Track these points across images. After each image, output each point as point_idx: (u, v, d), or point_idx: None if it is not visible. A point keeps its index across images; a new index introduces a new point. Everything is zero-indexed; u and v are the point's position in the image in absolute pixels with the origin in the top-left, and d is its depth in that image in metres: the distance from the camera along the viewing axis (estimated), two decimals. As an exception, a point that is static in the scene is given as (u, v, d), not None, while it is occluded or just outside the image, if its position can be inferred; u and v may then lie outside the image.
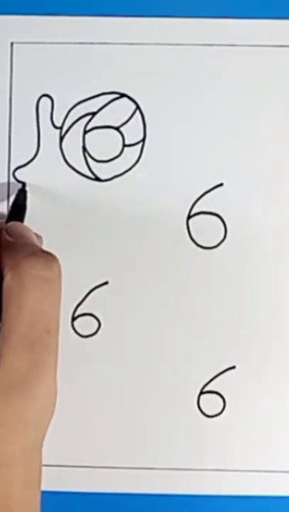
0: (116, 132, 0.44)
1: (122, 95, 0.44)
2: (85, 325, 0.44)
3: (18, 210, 0.42)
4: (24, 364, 0.35)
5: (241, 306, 0.44)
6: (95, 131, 0.44)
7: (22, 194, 0.43)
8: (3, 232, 0.38)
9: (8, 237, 0.38)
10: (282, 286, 0.44)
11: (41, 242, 0.42)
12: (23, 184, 0.43)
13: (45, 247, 0.43)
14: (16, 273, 0.35)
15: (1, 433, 0.34)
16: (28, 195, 0.43)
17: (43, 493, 0.44)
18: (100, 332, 0.44)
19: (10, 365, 0.35)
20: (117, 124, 0.44)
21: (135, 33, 0.43)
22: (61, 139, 0.44)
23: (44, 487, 0.44)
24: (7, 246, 0.37)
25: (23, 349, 0.35)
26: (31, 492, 0.36)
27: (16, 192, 0.43)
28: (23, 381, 0.35)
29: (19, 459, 0.35)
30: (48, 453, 0.43)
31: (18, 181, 0.44)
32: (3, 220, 0.41)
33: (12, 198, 0.43)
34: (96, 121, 0.44)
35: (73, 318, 0.44)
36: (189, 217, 0.44)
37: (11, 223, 0.40)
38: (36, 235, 0.41)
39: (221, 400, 0.44)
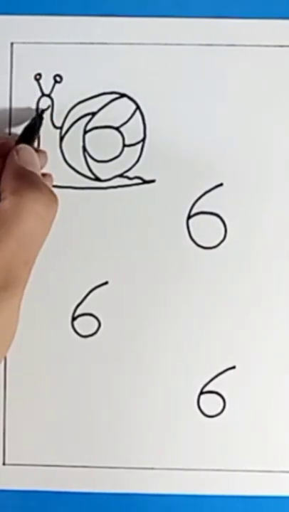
0: (116, 132, 0.44)
1: (122, 95, 0.44)
2: (85, 325, 0.44)
3: (30, 133, 0.41)
4: None
5: (241, 306, 0.44)
6: (95, 131, 0.44)
7: (38, 120, 0.42)
8: (14, 153, 0.38)
9: (17, 160, 0.37)
10: (283, 286, 0.44)
11: (51, 181, 0.42)
12: (42, 110, 0.43)
13: (45, 247, 0.43)
14: (16, 200, 0.35)
15: None
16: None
17: (44, 493, 0.44)
18: (99, 332, 0.44)
19: None
20: (117, 124, 0.44)
21: (135, 33, 0.43)
22: (61, 138, 0.44)
23: (44, 487, 0.44)
24: (14, 168, 0.37)
25: None
26: None
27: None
28: None
29: None
30: (48, 453, 0.43)
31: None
32: (13, 140, 0.41)
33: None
34: (96, 121, 0.44)
35: (73, 318, 0.44)
36: (189, 217, 0.44)
37: (23, 146, 0.39)
38: (43, 174, 0.40)
39: (221, 400, 0.44)
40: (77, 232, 0.44)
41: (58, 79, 0.44)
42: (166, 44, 0.43)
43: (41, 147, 0.44)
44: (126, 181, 0.44)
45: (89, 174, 0.44)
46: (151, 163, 0.44)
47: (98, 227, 0.44)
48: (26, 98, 0.44)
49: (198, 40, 0.43)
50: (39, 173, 0.38)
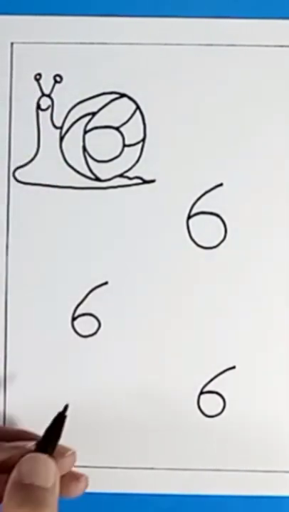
0: (116, 132, 0.44)
1: (122, 95, 0.44)
2: (85, 325, 0.44)
3: (50, 437, 0.38)
4: None
5: (241, 306, 0.44)
6: (95, 131, 0.44)
7: (60, 419, 0.39)
8: (16, 466, 0.36)
9: (15, 474, 0.35)
10: (283, 286, 0.44)
11: (74, 459, 0.40)
12: (65, 407, 0.39)
13: (45, 247, 0.43)
14: None
15: None
16: (30, 200, 0.43)
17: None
18: (99, 332, 0.44)
19: None
20: (117, 124, 0.44)
21: (135, 33, 0.43)
22: (61, 139, 0.44)
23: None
24: (13, 483, 0.35)
25: None
26: None
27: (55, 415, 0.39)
28: None
29: None
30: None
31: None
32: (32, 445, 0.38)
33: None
34: (96, 121, 0.44)
35: (73, 318, 0.44)
36: (189, 217, 0.44)
37: (30, 456, 0.36)
38: (68, 451, 0.39)
39: (221, 400, 0.44)
40: (76, 232, 0.44)
41: (58, 79, 0.44)
42: (166, 44, 0.43)
43: (41, 147, 0.44)
44: (126, 181, 0.44)
45: (89, 174, 0.44)
46: (151, 163, 0.44)
47: (98, 227, 0.44)
48: (26, 98, 0.44)
49: (198, 40, 0.43)
50: (41, 481, 0.35)
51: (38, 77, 0.44)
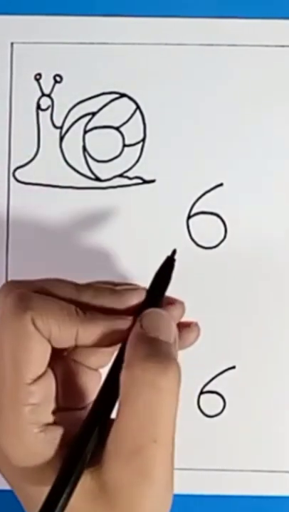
0: (116, 132, 0.44)
1: (122, 95, 0.44)
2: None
3: (161, 283, 0.38)
4: (123, 472, 0.33)
5: (241, 305, 0.44)
6: (95, 131, 0.44)
7: (169, 264, 0.38)
8: (138, 320, 0.35)
9: (139, 326, 0.34)
10: (283, 286, 0.44)
11: (182, 310, 0.38)
12: (173, 251, 0.39)
13: (45, 247, 0.43)
14: (129, 373, 0.33)
15: None
16: (30, 200, 0.43)
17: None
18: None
19: (109, 471, 0.33)
20: (117, 124, 0.44)
21: (135, 33, 0.43)
22: (61, 138, 0.44)
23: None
24: (136, 335, 0.34)
25: (123, 456, 0.33)
26: None
27: (163, 260, 0.39)
28: (121, 490, 0.33)
29: None
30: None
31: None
32: (141, 288, 0.37)
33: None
34: (96, 121, 0.44)
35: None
36: (189, 217, 0.44)
37: (149, 310, 0.35)
38: (177, 301, 0.38)
39: (221, 400, 0.44)
40: (76, 232, 0.44)
41: (58, 79, 0.44)
42: (166, 44, 0.43)
43: (41, 147, 0.44)
44: (126, 181, 0.44)
45: (89, 174, 0.44)
46: (151, 163, 0.44)
47: (98, 227, 0.44)
48: (26, 98, 0.44)
49: (199, 40, 0.43)
50: (165, 336, 0.35)
51: (38, 77, 0.44)
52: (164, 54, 0.43)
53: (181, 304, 0.38)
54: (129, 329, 0.35)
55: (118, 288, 0.36)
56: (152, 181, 0.44)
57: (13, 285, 0.35)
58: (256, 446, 0.44)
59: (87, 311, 0.35)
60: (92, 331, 0.34)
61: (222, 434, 0.44)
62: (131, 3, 0.44)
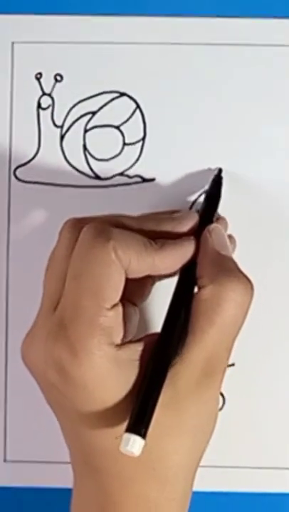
0: (116, 131, 0.44)
1: (122, 94, 0.44)
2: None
3: (214, 201, 0.41)
4: (200, 375, 0.35)
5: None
6: (95, 129, 0.44)
7: (217, 181, 0.42)
8: (207, 236, 0.38)
9: (212, 244, 0.37)
10: (283, 285, 0.44)
11: (227, 224, 0.42)
12: (219, 170, 0.42)
13: (45, 246, 0.44)
14: (216, 290, 0.35)
15: (169, 443, 0.35)
16: (31, 198, 0.43)
17: (45, 490, 0.44)
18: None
19: (189, 374, 0.35)
20: (117, 123, 0.44)
21: (135, 33, 0.44)
22: (62, 137, 0.44)
23: (46, 484, 0.44)
24: (210, 254, 0.37)
25: (202, 362, 0.35)
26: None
27: (211, 178, 0.42)
28: (195, 391, 0.36)
29: (182, 473, 0.36)
30: (50, 450, 0.43)
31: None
32: (194, 211, 0.40)
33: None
34: (96, 120, 0.44)
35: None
36: (189, 216, 0.44)
37: (215, 226, 0.39)
38: (220, 217, 0.41)
39: (220, 398, 0.44)
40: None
41: (58, 78, 0.44)
42: (166, 44, 0.44)
43: (42, 146, 0.44)
44: (126, 180, 0.44)
45: (89, 173, 0.44)
46: (151, 162, 0.44)
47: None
48: (27, 97, 0.44)
49: (199, 39, 0.43)
50: (229, 252, 0.38)
51: (38, 76, 0.44)
52: (164, 54, 0.44)
53: (224, 219, 0.41)
54: (196, 250, 0.37)
55: (175, 215, 0.39)
56: (152, 180, 0.44)
57: (80, 220, 0.37)
58: (256, 443, 0.44)
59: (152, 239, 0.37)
60: (167, 258, 0.36)
61: (222, 432, 0.43)
62: (131, 3, 0.44)
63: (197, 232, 0.38)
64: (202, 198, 0.43)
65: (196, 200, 0.44)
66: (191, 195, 0.44)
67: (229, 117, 0.44)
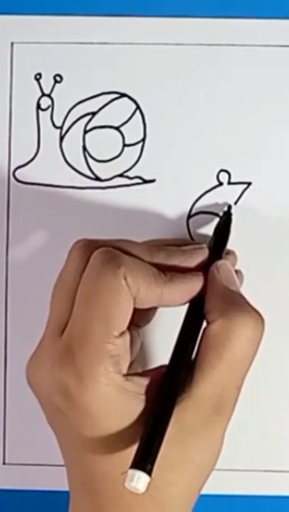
0: (116, 132, 0.44)
1: (122, 95, 0.44)
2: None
3: (223, 236, 0.41)
4: (209, 411, 0.35)
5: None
6: (95, 130, 0.44)
7: (227, 217, 0.42)
8: (215, 272, 0.37)
9: (220, 279, 0.37)
10: (283, 286, 0.44)
11: (236, 259, 0.42)
12: (229, 206, 0.43)
13: (45, 247, 0.43)
14: (226, 324, 0.35)
15: (170, 474, 0.35)
16: (30, 200, 0.43)
17: (44, 492, 0.44)
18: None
19: (197, 409, 0.35)
20: (117, 124, 0.44)
21: (135, 33, 0.44)
22: (61, 138, 0.44)
23: (45, 487, 0.44)
24: (219, 289, 0.37)
25: (210, 399, 0.35)
26: None
27: (222, 214, 0.42)
28: (202, 428, 0.35)
29: (181, 502, 0.36)
30: (49, 452, 0.43)
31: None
32: (204, 246, 0.40)
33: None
34: (96, 121, 0.44)
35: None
36: (189, 217, 0.44)
37: (223, 262, 0.38)
38: (230, 251, 0.41)
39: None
40: (76, 232, 0.44)
41: (58, 79, 0.44)
42: (166, 44, 0.43)
43: (41, 147, 0.44)
44: (126, 181, 0.44)
45: (89, 174, 0.44)
46: (151, 163, 0.44)
47: (98, 227, 0.44)
48: (26, 98, 0.44)
49: (199, 40, 0.43)
50: (237, 287, 0.38)
51: (38, 77, 0.44)
52: (164, 54, 0.43)
53: (234, 253, 0.42)
54: (204, 285, 0.37)
55: (186, 248, 0.39)
56: (152, 181, 0.44)
57: (90, 242, 0.37)
58: (255, 446, 0.44)
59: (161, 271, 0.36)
60: (175, 291, 0.36)
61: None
62: (131, 3, 0.44)
63: (206, 267, 0.38)
64: (201, 202, 0.43)
65: (195, 201, 0.44)
66: (191, 197, 0.44)
67: (229, 118, 0.43)
